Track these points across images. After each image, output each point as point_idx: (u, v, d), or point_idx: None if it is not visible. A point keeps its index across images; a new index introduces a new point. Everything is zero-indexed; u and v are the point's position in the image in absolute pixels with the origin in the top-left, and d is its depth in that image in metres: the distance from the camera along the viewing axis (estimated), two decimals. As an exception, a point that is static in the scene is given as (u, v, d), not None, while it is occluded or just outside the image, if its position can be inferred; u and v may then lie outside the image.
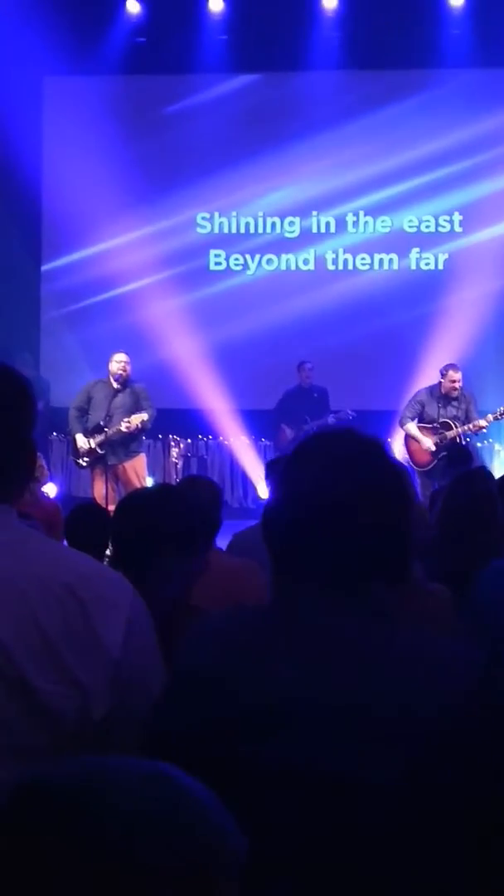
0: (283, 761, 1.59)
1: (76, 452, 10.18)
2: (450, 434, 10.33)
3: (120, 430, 9.88)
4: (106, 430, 9.92)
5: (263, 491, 11.42)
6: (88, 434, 10.03)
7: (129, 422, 9.86)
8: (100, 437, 9.95)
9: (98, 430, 9.98)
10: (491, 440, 12.44)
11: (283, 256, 13.61)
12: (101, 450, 9.96)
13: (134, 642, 1.83)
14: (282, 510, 1.77)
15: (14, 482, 1.89)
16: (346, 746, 1.57)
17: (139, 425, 9.90)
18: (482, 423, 10.37)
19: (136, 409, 10.02)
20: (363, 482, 1.72)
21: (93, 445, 9.98)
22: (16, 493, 1.89)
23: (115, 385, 10.11)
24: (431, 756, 1.55)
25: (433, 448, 10.34)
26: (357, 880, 1.56)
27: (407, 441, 10.55)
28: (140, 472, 10.10)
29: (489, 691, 1.60)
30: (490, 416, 10.42)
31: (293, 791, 1.58)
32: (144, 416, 9.91)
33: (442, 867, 1.56)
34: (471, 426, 10.35)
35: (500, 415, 10.41)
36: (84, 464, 10.12)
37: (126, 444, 10.04)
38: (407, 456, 10.38)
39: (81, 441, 10.07)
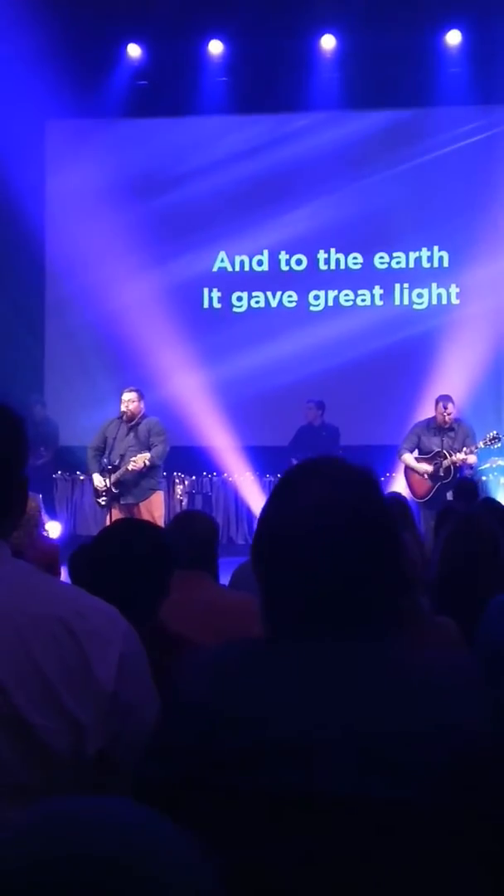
0: (298, 788, 1.58)
1: (96, 492, 10.19)
2: (445, 463, 10.42)
3: (128, 469, 9.90)
4: (117, 468, 9.94)
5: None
6: (104, 473, 10.05)
7: (135, 461, 9.86)
8: (114, 476, 9.96)
9: (112, 468, 9.99)
10: (496, 473, 12.41)
11: (286, 293, 13.67)
12: (116, 489, 9.96)
13: (128, 676, 1.83)
14: (268, 540, 1.76)
15: (7, 517, 1.90)
16: (359, 771, 1.57)
17: (145, 463, 9.88)
18: (460, 456, 10.43)
19: (147, 444, 10.01)
20: (349, 509, 1.70)
21: (108, 485, 9.98)
22: (8, 528, 1.91)
23: (126, 423, 10.13)
24: (448, 776, 1.56)
25: (428, 477, 10.45)
26: None
27: (406, 472, 10.69)
28: (155, 512, 9.99)
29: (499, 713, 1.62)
30: (480, 444, 10.53)
31: (311, 817, 1.58)
32: (147, 455, 9.86)
33: (465, 887, 1.57)
34: (458, 458, 10.43)
35: (491, 440, 10.53)
36: (104, 503, 10.10)
37: (139, 483, 10.00)
38: (407, 488, 10.49)
39: (98, 481, 10.06)
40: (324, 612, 1.68)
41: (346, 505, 1.71)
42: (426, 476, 10.48)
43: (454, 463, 10.42)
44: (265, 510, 1.79)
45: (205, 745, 1.65)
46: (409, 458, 10.64)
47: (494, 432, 10.72)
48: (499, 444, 10.80)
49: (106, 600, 1.93)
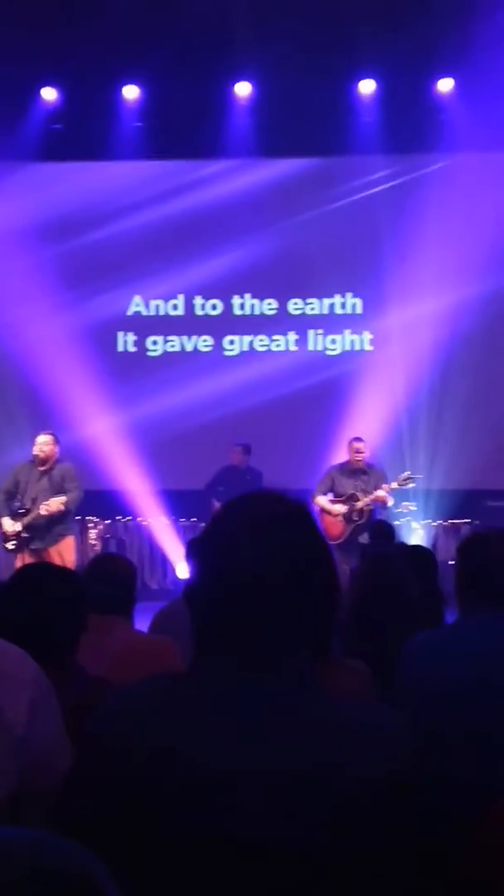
0: (208, 829, 1.57)
1: (3, 536, 10.09)
2: (358, 505, 10.51)
3: (40, 513, 9.82)
4: (29, 513, 9.86)
5: (183, 571, 11.38)
6: (15, 517, 9.95)
7: (48, 505, 9.79)
8: (26, 520, 9.88)
9: (23, 513, 9.91)
10: (408, 518, 12.53)
11: (202, 338, 13.69)
12: (26, 533, 9.88)
13: (39, 720, 1.81)
14: (202, 581, 1.73)
15: None
16: (269, 813, 1.56)
17: (60, 508, 9.82)
18: (380, 494, 10.56)
19: (60, 490, 9.95)
20: (283, 549, 1.68)
21: (18, 529, 9.89)
22: None
23: (38, 467, 10.05)
24: (354, 821, 1.55)
25: (341, 518, 10.55)
26: None
27: (320, 515, 10.72)
28: (65, 556, 9.92)
29: (411, 761, 1.61)
30: (394, 484, 10.66)
31: (218, 858, 1.57)
32: (63, 498, 9.83)
33: None
34: (372, 497, 10.56)
35: (404, 481, 10.70)
36: (12, 547, 10.00)
37: (50, 528, 9.94)
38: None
39: (7, 524, 9.98)
40: (246, 649, 1.66)
41: (281, 542, 1.69)
42: (340, 518, 10.58)
43: (367, 504, 10.55)
44: (200, 548, 1.77)
45: (121, 781, 1.63)
46: (323, 500, 10.74)
47: (408, 472, 10.91)
48: (412, 484, 10.97)
49: (19, 644, 1.90)
